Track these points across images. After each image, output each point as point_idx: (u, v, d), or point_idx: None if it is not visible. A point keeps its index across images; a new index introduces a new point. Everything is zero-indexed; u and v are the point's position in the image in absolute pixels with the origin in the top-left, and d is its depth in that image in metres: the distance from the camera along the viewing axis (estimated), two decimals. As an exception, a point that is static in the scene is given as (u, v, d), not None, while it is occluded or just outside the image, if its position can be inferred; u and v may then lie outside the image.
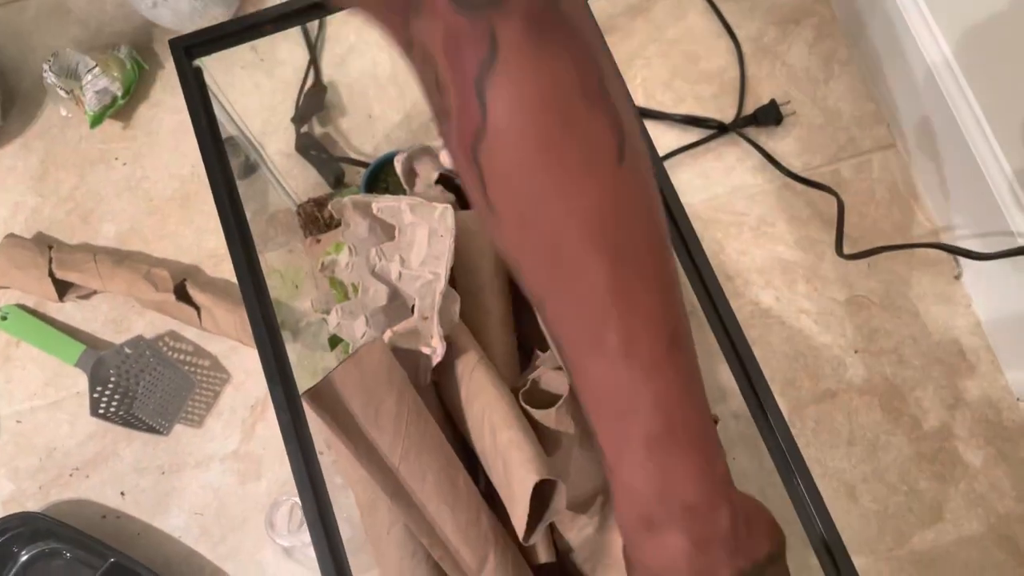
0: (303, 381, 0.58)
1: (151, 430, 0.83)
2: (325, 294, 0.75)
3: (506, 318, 0.71)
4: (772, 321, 0.87)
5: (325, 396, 0.56)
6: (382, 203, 0.66)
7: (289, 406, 0.52)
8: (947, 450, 0.82)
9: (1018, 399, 0.83)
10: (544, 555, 0.62)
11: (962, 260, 0.87)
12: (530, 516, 0.56)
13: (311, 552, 0.74)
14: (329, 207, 0.72)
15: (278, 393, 0.57)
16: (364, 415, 0.56)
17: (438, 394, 0.66)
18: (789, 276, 0.88)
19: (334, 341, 0.75)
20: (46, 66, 0.91)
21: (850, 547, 0.54)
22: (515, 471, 0.55)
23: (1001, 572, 0.79)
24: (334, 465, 0.61)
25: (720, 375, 0.73)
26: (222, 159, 0.56)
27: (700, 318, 0.62)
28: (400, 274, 0.63)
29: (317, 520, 0.54)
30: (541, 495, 0.57)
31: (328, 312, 0.71)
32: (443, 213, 0.61)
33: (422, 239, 0.61)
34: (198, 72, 0.60)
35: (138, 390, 0.84)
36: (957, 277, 0.87)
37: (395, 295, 0.70)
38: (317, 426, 0.58)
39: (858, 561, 0.53)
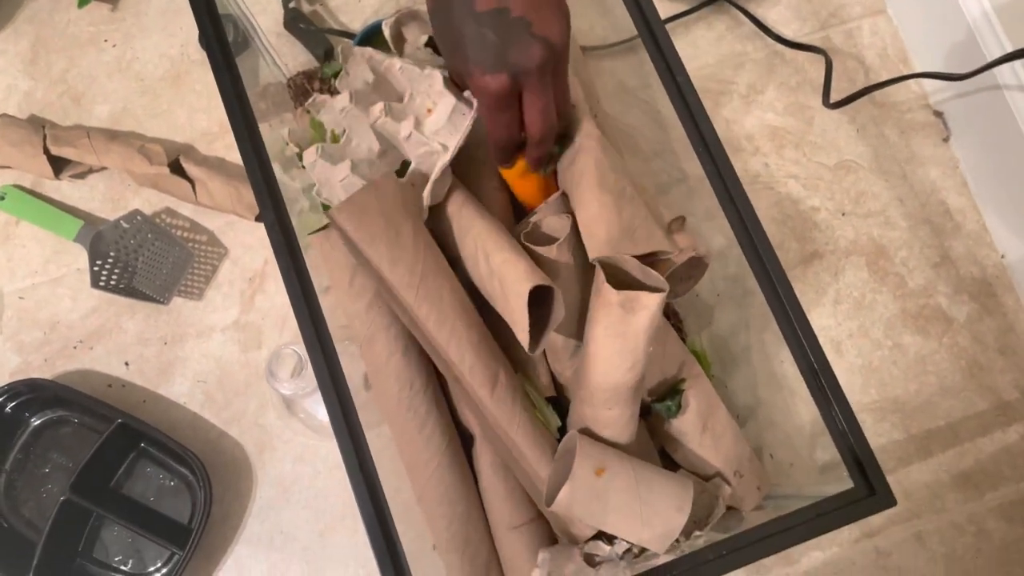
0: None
1: (151, 300, 0.84)
2: (303, 130, 0.74)
3: (506, 210, 0.71)
4: (760, 187, 0.88)
5: (351, 212, 0.57)
6: (408, 66, 0.66)
7: (286, 241, 0.53)
8: (931, 306, 0.84)
9: (1002, 255, 0.85)
10: (545, 389, 0.64)
11: (950, 122, 0.88)
12: (533, 330, 0.57)
13: (308, 404, 0.77)
14: (339, 51, 0.72)
15: (276, 235, 0.58)
16: (386, 236, 0.57)
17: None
18: (778, 142, 0.89)
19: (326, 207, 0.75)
20: (30, -56, 0.90)
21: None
22: (511, 285, 0.56)
23: (982, 421, 0.82)
24: (333, 301, 0.62)
25: (712, 238, 0.75)
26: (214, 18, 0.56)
27: (706, 185, 0.64)
28: (411, 135, 0.64)
29: (316, 343, 0.55)
30: (540, 314, 0.59)
31: (303, 147, 0.71)
32: (471, 95, 0.62)
33: (444, 110, 0.62)
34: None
35: (137, 264, 0.85)
36: (945, 140, 0.88)
37: (384, 153, 0.70)
38: (314, 265, 0.60)
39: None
